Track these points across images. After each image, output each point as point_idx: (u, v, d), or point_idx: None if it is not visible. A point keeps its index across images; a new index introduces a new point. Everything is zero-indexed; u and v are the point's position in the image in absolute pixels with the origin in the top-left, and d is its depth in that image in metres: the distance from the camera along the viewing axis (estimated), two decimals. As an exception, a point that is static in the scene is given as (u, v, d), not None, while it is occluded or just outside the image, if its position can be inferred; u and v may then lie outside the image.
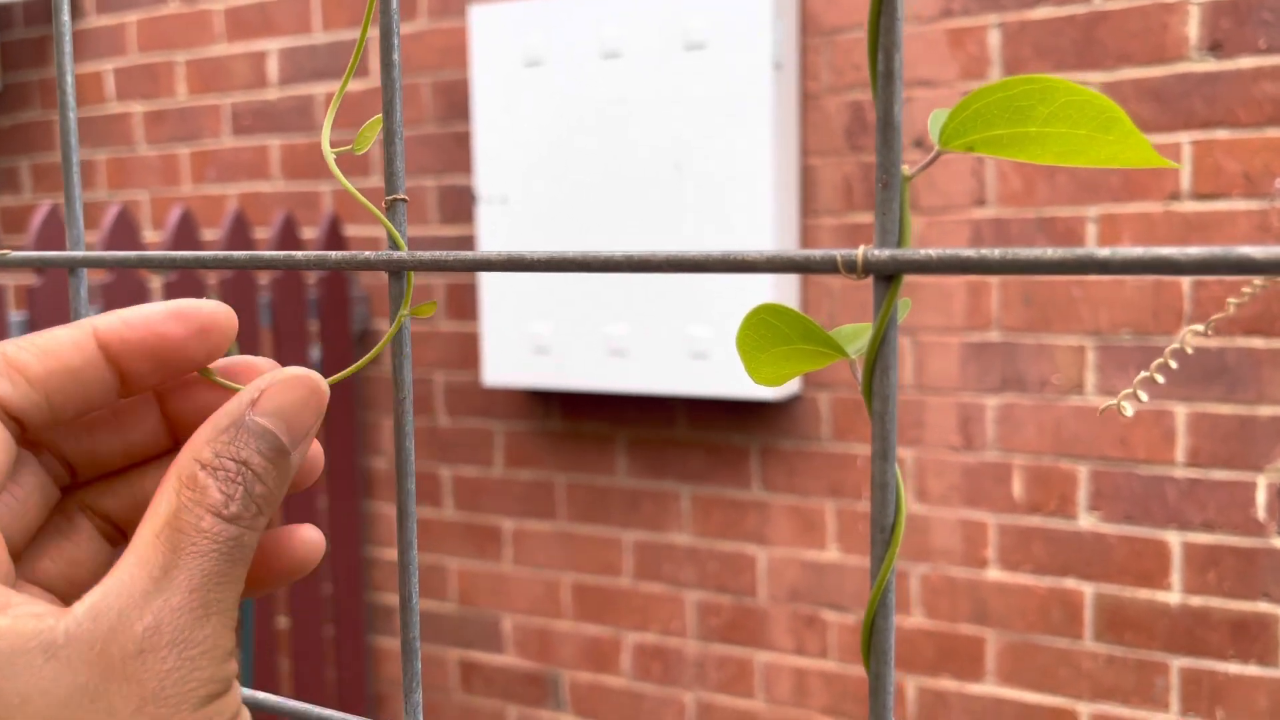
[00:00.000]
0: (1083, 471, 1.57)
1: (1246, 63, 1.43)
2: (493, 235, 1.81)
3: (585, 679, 1.96)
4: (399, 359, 0.35)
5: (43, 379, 0.31)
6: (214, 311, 0.32)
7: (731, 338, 1.56)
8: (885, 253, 0.24)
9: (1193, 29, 1.46)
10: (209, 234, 2.16)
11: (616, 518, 1.90)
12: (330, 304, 1.97)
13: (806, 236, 1.72)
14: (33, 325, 1.51)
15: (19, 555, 0.32)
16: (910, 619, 1.70)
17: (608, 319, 1.74)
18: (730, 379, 1.67)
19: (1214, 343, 1.49)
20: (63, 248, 1.42)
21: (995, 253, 0.23)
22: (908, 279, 1.63)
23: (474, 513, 2.04)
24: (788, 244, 1.69)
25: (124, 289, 1.65)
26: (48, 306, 1.53)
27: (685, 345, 1.69)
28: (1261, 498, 1.48)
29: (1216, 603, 1.51)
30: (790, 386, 1.73)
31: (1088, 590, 1.58)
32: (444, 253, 0.32)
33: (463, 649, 2.08)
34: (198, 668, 0.28)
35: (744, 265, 0.26)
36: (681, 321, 1.69)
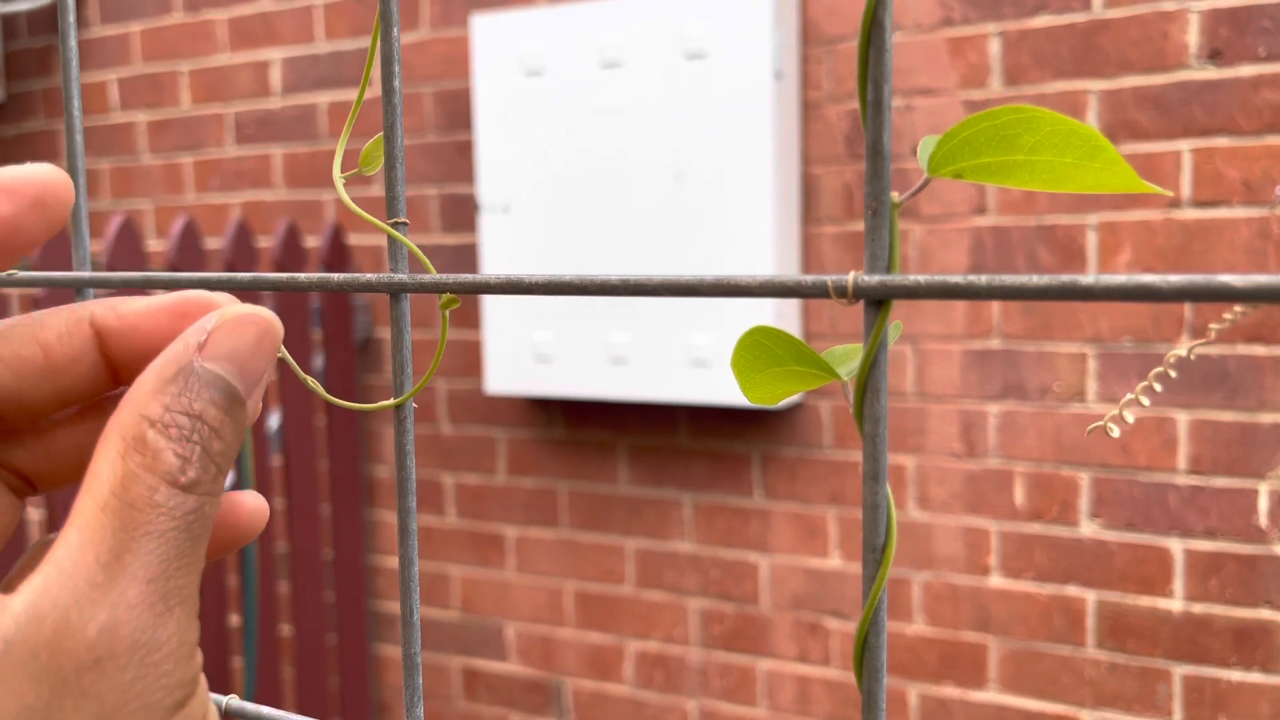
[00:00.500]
0: (1084, 479, 1.57)
1: (1246, 70, 1.44)
2: (495, 244, 1.82)
3: (588, 687, 1.97)
4: (399, 379, 0.35)
5: None
6: (46, 178, 0.28)
7: (732, 346, 1.57)
8: (875, 278, 0.25)
9: (1192, 37, 1.46)
10: (212, 243, 2.17)
11: (619, 525, 1.91)
12: (333, 313, 1.97)
13: (808, 245, 1.72)
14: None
15: None
16: (912, 626, 1.70)
17: (609, 327, 1.74)
18: (731, 387, 1.67)
19: (1215, 350, 1.49)
20: (68, 260, 1.42)
21: (982, 279, 0.23)
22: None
23: (476, 520, 2.04)
24: (789, 253, 1.69)
25: (127, 293, 1.65)
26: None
27: (686, 353, 1.69)
28: (1263, 504, 1.48)
29: (1219, 610, 1.51)
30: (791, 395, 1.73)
31: (1090, 597, 1.58)
32: (443, 276, 0.33)
33: (465, 657, 2.08)
34: (163, 673, 0.24)
35: (737, 290, 0.27)
36: (682, 330, 1.69)
